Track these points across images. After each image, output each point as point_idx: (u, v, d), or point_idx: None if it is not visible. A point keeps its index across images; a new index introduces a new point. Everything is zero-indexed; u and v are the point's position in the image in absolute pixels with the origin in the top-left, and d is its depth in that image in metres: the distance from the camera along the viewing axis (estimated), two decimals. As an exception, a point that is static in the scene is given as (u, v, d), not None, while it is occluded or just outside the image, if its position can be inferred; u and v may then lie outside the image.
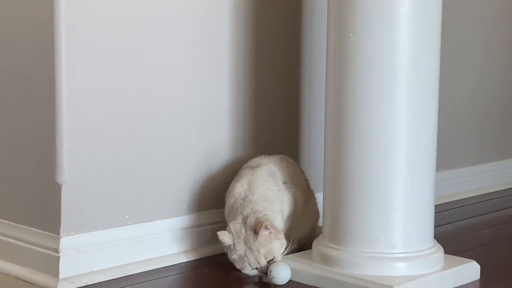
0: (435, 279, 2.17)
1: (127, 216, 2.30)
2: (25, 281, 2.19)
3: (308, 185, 2.55)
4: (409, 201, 2.16)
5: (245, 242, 2.22)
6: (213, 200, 2.48)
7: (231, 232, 2.23)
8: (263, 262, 2.21)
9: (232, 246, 2.23)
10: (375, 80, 2.12)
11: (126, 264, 2.27)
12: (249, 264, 2.22)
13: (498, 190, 3.54)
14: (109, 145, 2.24)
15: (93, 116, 2.20)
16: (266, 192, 2.32)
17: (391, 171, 2.14)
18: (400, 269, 2.15)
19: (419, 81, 2.15)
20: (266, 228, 2.21)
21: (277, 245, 2.24)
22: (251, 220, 2.22)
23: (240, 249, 2.22)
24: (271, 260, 2.22)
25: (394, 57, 2.11)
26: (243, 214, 2.25)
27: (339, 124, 2.18)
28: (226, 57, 2.51)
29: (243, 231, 2.22)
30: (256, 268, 2.23)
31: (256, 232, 2.20)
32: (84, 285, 2.17)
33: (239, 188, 2.32)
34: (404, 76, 2.12)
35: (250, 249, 2.21)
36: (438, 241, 2.30)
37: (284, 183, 2.40)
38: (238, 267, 2.24)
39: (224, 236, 2.23)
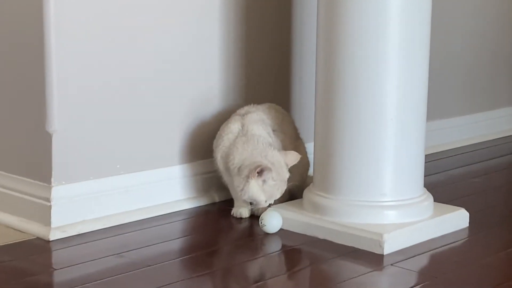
0: (424, 227, 2.19)
1: (118, 166, 2.30)
2: (17, 230, 2.20)
3: (297, 134, 2.55)
4: (399, 150, 2.17)
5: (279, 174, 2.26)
6: (203, 149, 2.48)
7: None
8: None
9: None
10: (366, 29, 2.11)
11: (118, 214, 2.29)
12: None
13: (488, 139, 3.55)
14: (99, 95, 2.24)
15: (83, 65, 2.19)
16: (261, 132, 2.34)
17: (381, 120, 2.15)
18: (390, 217, 2.17)
19: (412, 30, 2.14)
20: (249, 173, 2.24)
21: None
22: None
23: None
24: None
25: (386, 5, 2.10)
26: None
27: (330, 73, 2.18)
28: (217, 6, 2.49)
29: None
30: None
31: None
32: (77, 233, 2.18)
33: (234, 127, 2.34)
34: (396, 24, 2.11)
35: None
36: (429, 190, 2.31)
37: (274, 130, 2.41)
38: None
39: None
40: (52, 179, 2.16)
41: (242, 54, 2.58)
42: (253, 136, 2.31)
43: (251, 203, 2.30)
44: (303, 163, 2.52)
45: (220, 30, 2.51)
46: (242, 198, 2.29)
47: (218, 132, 2.39)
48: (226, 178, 2.39)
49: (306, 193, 2.30)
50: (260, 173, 2.23)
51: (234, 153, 2.30)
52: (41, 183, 2.18)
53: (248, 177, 2.24)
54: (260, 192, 2.25)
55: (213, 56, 2.50)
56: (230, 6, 2.53)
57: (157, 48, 2.36)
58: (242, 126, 2.35)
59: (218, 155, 2.36)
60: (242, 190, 2.26)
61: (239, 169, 2.27)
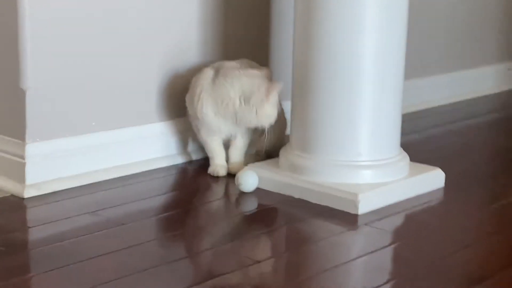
0: (399, 187, 2.19)
1: (94, 123, 2.28)
2: (-9, 187, 2.19)
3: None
4: (375, 109, 2.17)
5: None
6: (179, 107, 2.46)
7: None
8: None
9: None
10: (343, -13, 2.09)
11: (93, 171, 2.27)
12: None
13: (468, 98, 3.55)
14: (73, 50, 2.21)
15: (55, 19, 2.16)
16: None
17: (358, 79, 2.14)
18: (365, 176, 2.17)
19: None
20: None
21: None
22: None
23: None
24: None
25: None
26: None
27: (307, 30, 2.16)
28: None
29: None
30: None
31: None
32: (51, 191, 2.17)
33: (207, 73, 2.32)
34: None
35: None
36: (405, 150, 2.31)
37: None
38: None
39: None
40: (26, 136, 2.15)
41: (222, 9, 2.55)
42: (231, 68, 2.29)
43: (262, 134, 2.31)
44: (280, 122, 2.50)
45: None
46: (251, 126, 2.30)
47: (190, 85, 2.36)
48: (202, 133, 2.37)
49: (283, 152, 2.29)
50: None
51: (220, 90, 2.27)
52: (15, 140, 2.17)
53: (262, 101, 2.24)
54: (275, 111, 2.27)
55: (191, 8, 2.47)
56: (209, -38, 2.49)
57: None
58: (216, 71, 2.32)
59: (194, 107, 2.33)
60: (257, 118, 2.26)
61: (245, 98, 2.25)
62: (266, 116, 2.27)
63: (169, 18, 2.42)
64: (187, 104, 2.37)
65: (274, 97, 2.26)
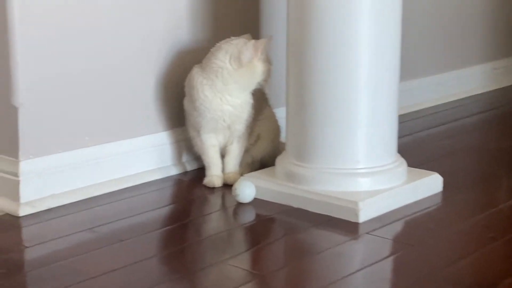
0: (398, 193, 2.18)
1: (87, 138, 2.25)
2: (-15, 206, 2.15)
3: (266, 99, 2.50)
4: (372, 116, 2.15)
5: None
6: (172, 117, 2.44)
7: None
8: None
9: None
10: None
11: (88, 186, 2.24)
12: None
13: (455, 99, 3.55)
14: (64, 65, 2.18)
15: (46, 35, 2.13)
16: None
17: (354, 85, 2.12)
18: (364, 184, 2.15)
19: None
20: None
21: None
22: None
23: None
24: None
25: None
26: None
27: (301, 35, 2.14)
28: None
29: None
30: None
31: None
32: (46, 208, 2.14)
33: (194, 68, 2.31)
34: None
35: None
36: (400, 153, 2.29)
37: None
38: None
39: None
40: (20, 153, 2.11)
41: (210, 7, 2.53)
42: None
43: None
44: (274, 129, 2.49)
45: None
46: (254, 85, 2.28)
47: (185, 88, 2.35)
48: (202, 132, 2.33)
49: (279, 161, 2.27)
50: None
51: (210, 64, 2.26)
52: (8, 158, 2.13)
53: (252, 58, 2.23)
54: (269, 65, 2.27)
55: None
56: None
57: (124, 18, 2.30)
58: (202, 65, 2.32)
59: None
60: (252, 77, 2.25)
61: (234, 60, 2.24)
62: (261, 73, 2.26)
63: (159, 30, 2.40)
64: (186, 106, 2.35)
65: (263, 52, 2.25)
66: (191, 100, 2.32)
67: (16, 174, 2.11)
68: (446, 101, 3.50)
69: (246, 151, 2.40)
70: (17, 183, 2.11)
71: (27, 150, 2.12)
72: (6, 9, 2.04)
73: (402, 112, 3.22)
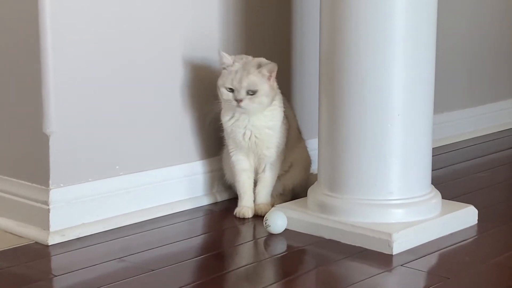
0: (433, 225, 2.14)
1: (117, 167, 2.24)
2: (15, 234, 2.14)
3: (299, 131, 2.48)
4: (406, 146, 2.12)
5: (244, 65, 2.23)
6: (204, 148, 2.43)
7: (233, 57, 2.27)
8: (244, 86, 2.20)
9: (231, 63, 2.24)
10: (372, 21, 2.05)
11: (118, 216, 2.23)
12: (230, 81, 2.21)
13: (492, 132, 3.51)
14: (97, 95, 2.18)
15: (79, 63, 2.13)
16: None
17: (388, 115, 2.09)
18: (398, 215, 2.11)
19: (418, 23, 2.08)
20: (270, 72, 2.23)
21: (265, 87, 2.23)
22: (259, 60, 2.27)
23: (236, 66, 2.23)
24: (251, 92, 2.20)
25: (391, -1, 2.05)
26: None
27: (333, 67, 2.12)
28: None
29: (246, 60, 2.26)
30: (232, 91, 2.22)
31: (260, 66, 2.23)
32: (75, 237, 2.13)
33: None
34: (402, 17, 2.06)
35: (244, 69, 2.21)
36: (434, 185, 2.26)
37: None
38: (219, 83, 2.24)
39: (225, 54, 2.25)
40: (50, 182, 2.11)
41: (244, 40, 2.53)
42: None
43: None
44: (305, 159, 2.46)
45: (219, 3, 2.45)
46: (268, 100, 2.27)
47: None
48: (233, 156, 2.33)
49: (311, 192, 2.24)
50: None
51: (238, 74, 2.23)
52: (39, 186, 2.13)
53: (268, 78, 2.23)
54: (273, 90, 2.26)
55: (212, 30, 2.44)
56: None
57: (156, 47, 2.30)
58: None
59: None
60: (261, 88, 2.23)
61: (259, 66, 2.24)
62: (265, 91, 2.24)
63: (198, 64, 2.40)
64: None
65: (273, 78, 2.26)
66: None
67: (46, 203, 2.10)
68: (480, 134, 3.47)
69: (278, 179, 2.38)
70: (47, 212, 2.10)
71: (57, 179, 2.12)
72: (40, 37, 2.05)
73: (439, 144, 3.19)
